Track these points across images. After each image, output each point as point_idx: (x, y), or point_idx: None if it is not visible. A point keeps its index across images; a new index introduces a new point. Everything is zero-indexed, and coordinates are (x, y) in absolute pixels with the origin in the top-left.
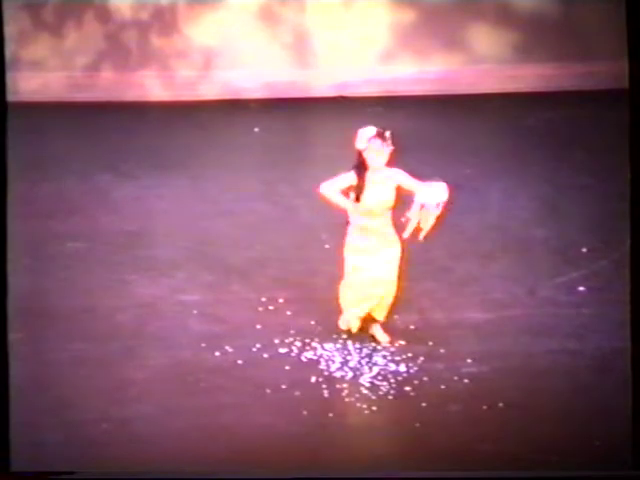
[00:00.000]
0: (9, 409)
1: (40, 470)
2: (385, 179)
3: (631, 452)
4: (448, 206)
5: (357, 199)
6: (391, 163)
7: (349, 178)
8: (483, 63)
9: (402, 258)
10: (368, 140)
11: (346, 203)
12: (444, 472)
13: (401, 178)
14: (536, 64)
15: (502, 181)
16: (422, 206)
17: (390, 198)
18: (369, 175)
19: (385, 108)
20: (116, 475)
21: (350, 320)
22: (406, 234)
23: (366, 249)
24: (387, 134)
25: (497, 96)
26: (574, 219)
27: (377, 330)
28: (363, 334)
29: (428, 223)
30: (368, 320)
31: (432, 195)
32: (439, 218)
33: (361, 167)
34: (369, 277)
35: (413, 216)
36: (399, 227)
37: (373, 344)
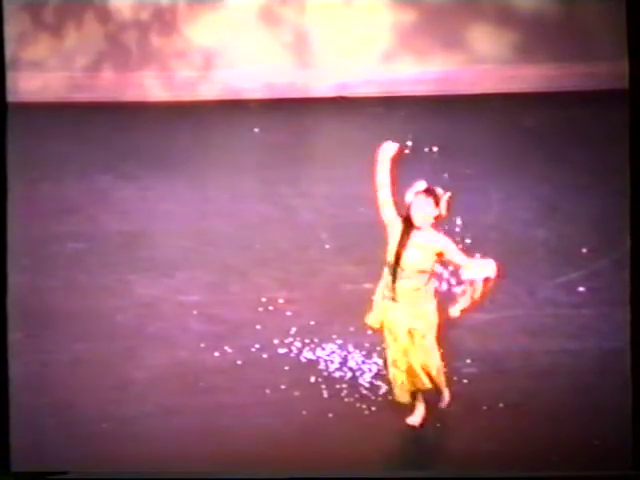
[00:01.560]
0: (9, 409)
1: (40, 470)
2: (427, 243)
3: (631, 452)
4: (451, 207)
5: (398, 255)
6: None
7: (395, 231)
8: (483, 63)
9: (439, 331)
10: (415, 195)
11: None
12: (443, 472)
13: (447, 248)
14: (537, 64)
15: (502, 181)
16: (471, 282)
17: (424, 263)
18: (414, 233)
19: (385, 108)
20: (113, 475)
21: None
22: (456, 311)
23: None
24: (439, 192)
25: (497, 96)
26: (574, 219)
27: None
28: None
29: (472, 298)
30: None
31: (480, 271)
32: (484, 294)
33: (407, 223)
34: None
35: (462, 292)
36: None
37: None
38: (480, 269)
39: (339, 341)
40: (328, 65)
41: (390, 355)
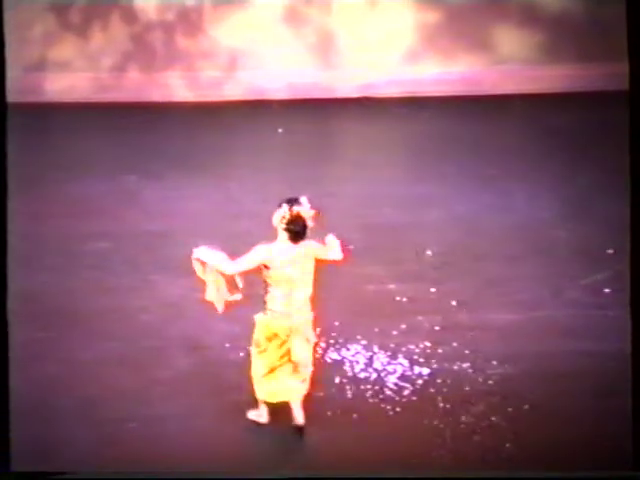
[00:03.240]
0: (9, 410)
1: (42, 470)
2: (308, 251)
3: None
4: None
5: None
6: None
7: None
8: (507, 64)
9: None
10: (281, 220)
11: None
12: (443, 472)
13: (317, 250)
14: (560, 65)
15: (526, 182)
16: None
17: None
18: (296, 249)
19: (409, 109)
20: (115, 475)
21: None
22: None
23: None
24: (302, 200)
25: (521, 97)
26: (600, 220)
27: (296, 409)
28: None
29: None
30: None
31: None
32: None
33: (293, 237)
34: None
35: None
36: None
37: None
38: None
39: (364, 342)
40: (352, 65)
41: (266, 362)
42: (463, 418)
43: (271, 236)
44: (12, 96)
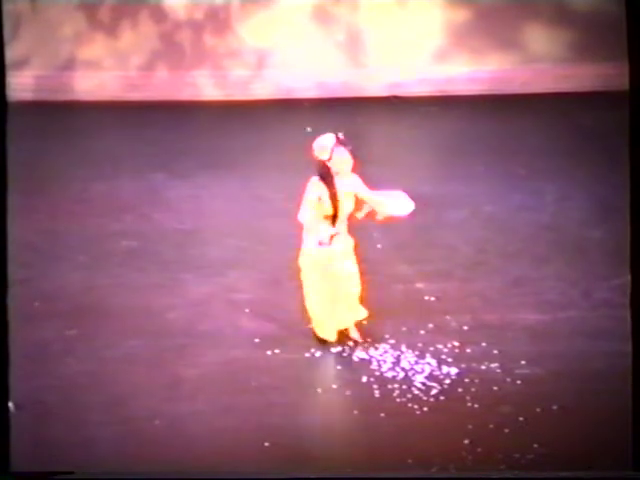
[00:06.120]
0: (8, 408)
1: (46, 470)
2: (350, 186)
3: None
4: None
5: (335, 210)
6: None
7: (316, 191)
8: (538, 62)
9: (355, 252)
10: (332, 149)
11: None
12: (443, 472)
13: (359, 187)
14: (592, 63)
15: (557, 181)
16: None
17: (353, 204)
18: (337, 183)
19: (439, 108)
20: (120, 475)
21: (327, 330)
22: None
23: (329, 256)
24: (342, 136)
25: (552, 96)
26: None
27: (353, 331)
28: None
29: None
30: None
31: (398, 207)
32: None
33: (328, 176)
34: (335, 282)
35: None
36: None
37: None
38: (394, 205)
39: (392, 341)
40: (381, 64)
41: (316, 294)
42: (491, 418)
43: (300, 235)
44: (42, 94)
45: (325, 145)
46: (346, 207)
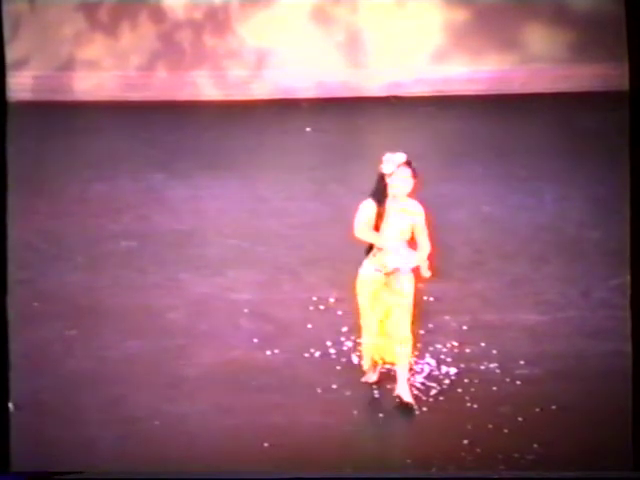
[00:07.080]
0: (8, 408)
1: (52, 470)
2: (405, 210)
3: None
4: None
5: (376, 228)
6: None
7: (370, 207)
8: (537, 63)
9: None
10: (397, 166)
11: (376, 238)
12: (443, 472)
13: (419, 220)
14: (591, 64)
15: (556, 182)
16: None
17: (408, 230)
18: (389, 203)
19: (438, 108)
20: (120, 475)
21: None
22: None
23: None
24: (413, 165)
25: (551, 96)
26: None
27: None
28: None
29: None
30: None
31: (403, 261)
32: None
33: (382, 194)
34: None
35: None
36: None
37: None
38: (403, 259)
39: None
40: (380, 64)
41: (367, 323)
42: (490, 419)
43: (298, 236)
44: (42, 95)
45: (394, 160)
46: (399, 229)
